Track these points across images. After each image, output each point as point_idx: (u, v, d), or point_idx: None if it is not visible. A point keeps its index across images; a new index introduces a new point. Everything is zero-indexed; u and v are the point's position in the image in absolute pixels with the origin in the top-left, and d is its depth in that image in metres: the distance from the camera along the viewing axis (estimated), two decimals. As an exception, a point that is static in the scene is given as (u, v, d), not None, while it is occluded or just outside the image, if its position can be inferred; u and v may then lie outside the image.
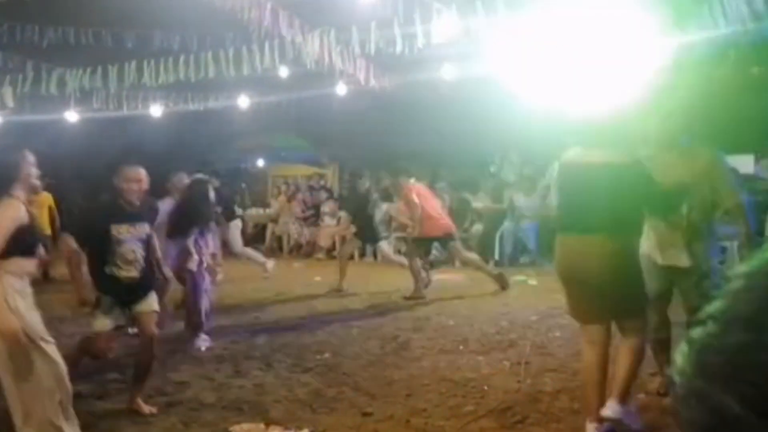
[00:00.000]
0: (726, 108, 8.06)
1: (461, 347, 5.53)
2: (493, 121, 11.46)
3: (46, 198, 10.59)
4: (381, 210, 12.45)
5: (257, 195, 17.17)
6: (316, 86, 10.23)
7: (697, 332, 0.90)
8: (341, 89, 10.44)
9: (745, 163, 9.06)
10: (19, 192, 3.46)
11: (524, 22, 5.26)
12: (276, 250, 14.06)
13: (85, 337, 4.32)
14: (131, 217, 4.27)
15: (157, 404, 4.30)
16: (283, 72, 9.12)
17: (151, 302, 4.33)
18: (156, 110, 11.29)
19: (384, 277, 9.56)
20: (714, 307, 0.90)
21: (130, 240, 4.23)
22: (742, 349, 0.83)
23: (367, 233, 9.28)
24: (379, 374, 4.88)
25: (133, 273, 4.23)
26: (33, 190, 3.66)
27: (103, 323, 4.19)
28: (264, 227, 14.90)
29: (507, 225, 10.64)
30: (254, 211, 15.25)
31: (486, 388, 4.45)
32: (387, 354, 5.46)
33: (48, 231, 10.54)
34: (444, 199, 11.58)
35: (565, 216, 3.57)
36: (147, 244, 4.34)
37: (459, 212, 11.29)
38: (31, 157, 3.58)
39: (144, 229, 4.33)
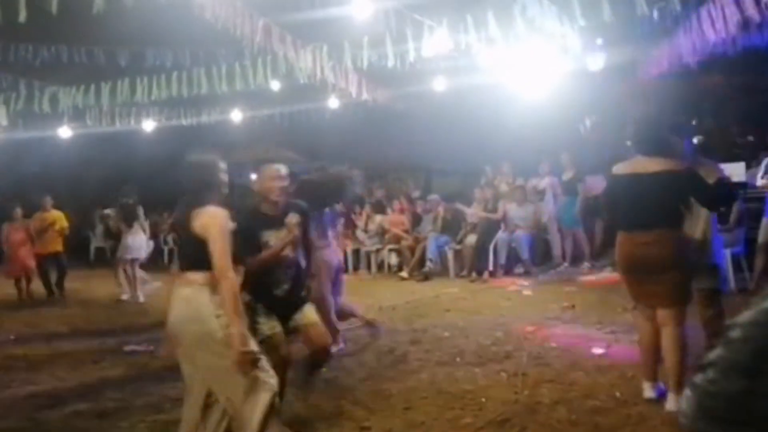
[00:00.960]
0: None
1: (458, 359, 5.53)
2: (484, 131, 11.56)
3: (57, 216, 10.53)
4: (374, 222, 12.50)
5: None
6: (309, 100, 10.30)
7: (699, 378, 0.99)
8: (334, 102, 10.51)
9: (736, 172, 9.12)
10: (215, 205, 3.06)
11: (514, 36, 5.32)
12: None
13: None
14: (277, 222, 4.01)
15: (155, 422, 4.30)
16: (276, 86, 9.17)
17: (310, 314, 4.13)
18: (149, 125, 11.34)
19: (378, 290, 9.57)
20: (714, 354, 0.98)
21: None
22: (740, 396, 0.91)
23: None
24: (376, 388, 4.87)
25: (285, 285, 4.04)
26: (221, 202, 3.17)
27: (271, 325, 3.90)
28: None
29: (501, 235, 10.67)
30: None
31: (484, 399, 4.45)
32: (384, 367, 5.46)
33: (59, 249, 10.56)
34: (438, 211, 11.65)
35: (626, 217, 4.10)
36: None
37: (453, 223, 11.33)
38: (222, 164, 3.23)
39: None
